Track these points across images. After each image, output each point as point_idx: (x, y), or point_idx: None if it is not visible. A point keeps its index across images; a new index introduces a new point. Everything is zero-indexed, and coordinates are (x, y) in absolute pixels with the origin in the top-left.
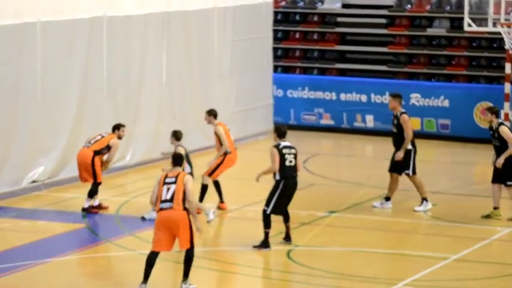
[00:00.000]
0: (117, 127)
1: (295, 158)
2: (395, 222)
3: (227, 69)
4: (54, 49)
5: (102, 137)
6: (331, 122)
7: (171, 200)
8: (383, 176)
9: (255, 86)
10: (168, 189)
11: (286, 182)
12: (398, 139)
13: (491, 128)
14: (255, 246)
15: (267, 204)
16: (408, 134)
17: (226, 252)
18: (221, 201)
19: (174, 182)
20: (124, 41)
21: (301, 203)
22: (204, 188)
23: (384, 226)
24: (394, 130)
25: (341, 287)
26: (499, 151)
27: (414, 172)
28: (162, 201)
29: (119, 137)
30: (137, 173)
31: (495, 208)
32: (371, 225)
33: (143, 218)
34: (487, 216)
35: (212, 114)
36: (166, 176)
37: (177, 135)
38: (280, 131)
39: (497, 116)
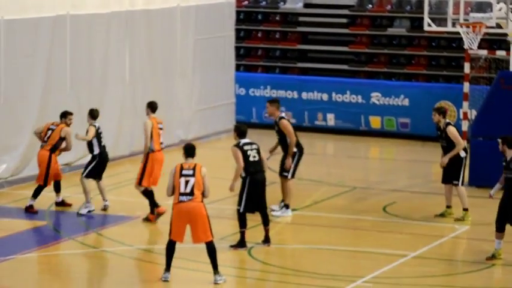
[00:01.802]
0: (63, 115)
1: (258, 153)
2: (354, 220)
3: (190, 68)
4: (17, 47)
5: (52, 130)
6: (292, 121)
7: (191, 193)
8: (344, 174)
9: (217, 85)
10: (187, 182)
11: (252, 178)
12: (283, 144)
13: (438, 128)
14: (231, 246)
15: (239, 203)
16: (291, 139)
17: (187, 249)
18: (151, 212)
19: (193, 175)
20: (87, 40)
21: None
22: (147, 194)
23: (344, 224)
24: (277, 136)
25: (301, 284)
26: (446, 151)
27: (292, 176)
28: (181, 194)
29: (67, 125)
30: None
31: (448, 207)
32: (331, 222)
33: (79, 214)
34: (441, 215)
35: (149, 107)
36: (182, 168)
37: (93, 114)
38: (240, 130)
39: (444, 116)
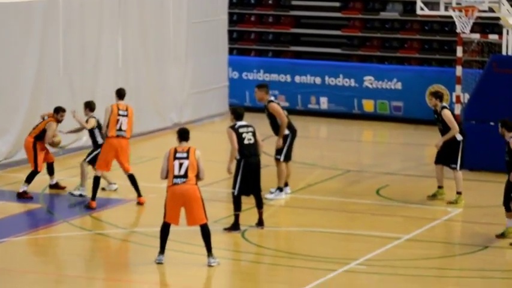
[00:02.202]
0: (56, 111)
1: (254, 135)
2: (348, 203)
3: (183, 52)
4: (10, 31)
5: (42, 120)
6: (285, 104)
7: (185, 175)
8: (337, 157)
9: (210, 69)
10: (181, 164)
11: (246, 161)
12: (275, 127)
13: (435, 111)
14: (225, 229)
15: (233, 186)
16: (282, 121)
17: (181, 231)
18: (92, 198)
19: (187, 157)
20: (80, 24)
21: None
22: (95, 180)
23: (337, 206)
24: (268, 120)
25: (294, 266)
26: (443, 135)
27: (286, 159)
28: (176, 176)
29: (58, 121)
30: None
31: (439, 187)
32: (324, 205)
33: (71, 194)
34: (433, 196)
35: (116, 93)
36: (176, 151)
37: (91, 106)
38: (236, 113)
39: (441, 100)
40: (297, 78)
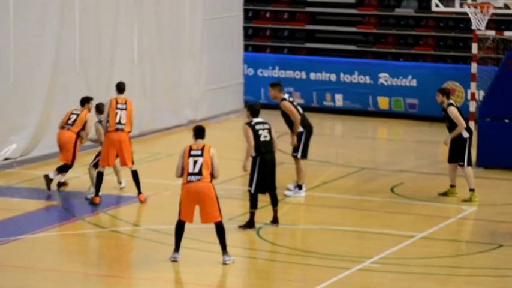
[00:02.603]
0: (86, 100)
1: (270, 133)
2: (363, 201)
3: (198, 48)
4: (26, 26)
5: (77, 115)
6: (301, 101)
7: (200, 173)
8: (351, 154)
9: (225, 65)
10: (195, 162)
11: (262, 158)
12: (290, 125)
13: (443, 109)
14: (240, 226)
15: (250, 184)
16: (295, 118)
17: (196, 229)
18: (96, 194)
19: (201, 155)
20: (96, 20)
21: None
22: (98, 176)
23: (352, 204)
24: (283, 118)
25: (309, 264)
26: (450, 131)
27: (302, 156)
28: (190, 174)
29: (89, 110)
30: None
31: (451, 186)
32: (339, 203)
33: (86, 198)
34: (444, 194)
35: (116, 86)
36: (191, 149)
37: (100, 108)
38: (253, 109)
39: (448, 97)
40: (312, 75)
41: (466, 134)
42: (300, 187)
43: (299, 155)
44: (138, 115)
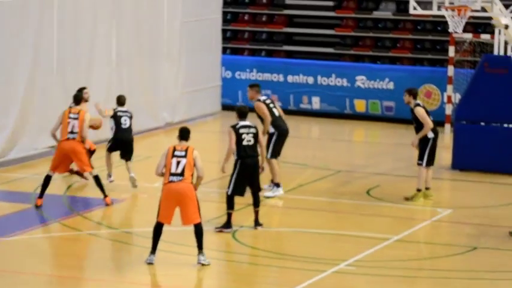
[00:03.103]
0: (80, 96)
1: (255, 137)
2: (339, 203)
3: (176, 51)
4: (4, 29)
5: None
6: (279, 104)
7: (182, 173)
8: (328, 157)
9: (203, 68)
10: (178, 162)
11: (243, 161)
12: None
13: (410, 109)
14: (217, 228)
15: (229, 185)
16: (265, 119)
17: (172, 232)
18: (40, 196)
19: (184, 156)
20: (74, 21)
21: None
22: (46, 179)
23: (328, 207)
24: (258, 119)
25: (285, 267)
26: (417, 132)
27: (272, 156)
28: (172, 174)
29: (86, 100)
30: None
31: (426, 188)
32: (315, 206)
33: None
34: (408, 199)
35: (73, 98)
36: (174, 149)
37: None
38: (240, 112)
39: (415, 97)
40: (290, 78)
41: (430, 134)
42: (277, 185)
43: (268, 155)
44: None
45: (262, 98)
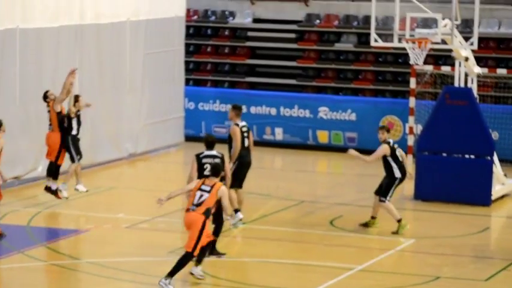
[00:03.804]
0: (45, 96)
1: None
2: (302, 234)
3: (139, 82)
4: None
5: (48, 112)
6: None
7: (199, 204)
8: (291, 187)
9: (166, 99)
10: (201, 196)
11: None
12: (230, 151)
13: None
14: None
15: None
16: (236, 145)
17: (135, 262)
18: None
19: (208, 192)
20: (37, 53)
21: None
22: None
23: (292, 237)
24: (228, 144)
25: None
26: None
27: (232, 185)
28: (193, 204)
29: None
30: None
31: (372, 218)
32: (279, 236)
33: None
34: (365, 225)
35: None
36: (203, 183)
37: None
38: (206, 141)
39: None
40: (253, 109)
41: (398, 174)
42: (235, 211)
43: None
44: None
45: (241, 124)
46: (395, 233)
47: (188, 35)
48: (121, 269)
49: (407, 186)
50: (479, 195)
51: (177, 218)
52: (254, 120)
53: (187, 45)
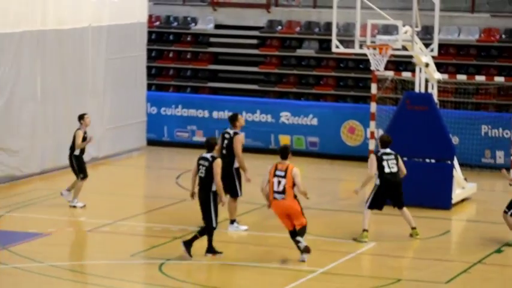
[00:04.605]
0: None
1: (206, 170)
2: (265, 237)
3: (101, 87)
4: None
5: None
6: (203, 139)
7: (282, 192)
8: (254, 191)
9: (128, 104)
10: (279, 182)
11: (198, 193)
12: (224, 158)
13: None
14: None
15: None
16: (239, 155)
17: (98, 265)
18: None
19: (284, 176)
20: None
21: (173, 217)
22: None
23: (254, 240)
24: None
25: None
26: None
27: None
28: (275, 192)
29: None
30: (10, 189)
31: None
32: (241, 239)
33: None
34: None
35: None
36: (276, 168)
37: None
38: (206, 143)
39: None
40: (215, 114)
41: (377, 182)
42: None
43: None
44: (40, 153)
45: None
46: (355, 240)
47: (150, 41)
48: (84, 272)
49: (369, 190)
50: (439, 198)
51: (139, 222)
52: (216, 125)
53: (149, 51)
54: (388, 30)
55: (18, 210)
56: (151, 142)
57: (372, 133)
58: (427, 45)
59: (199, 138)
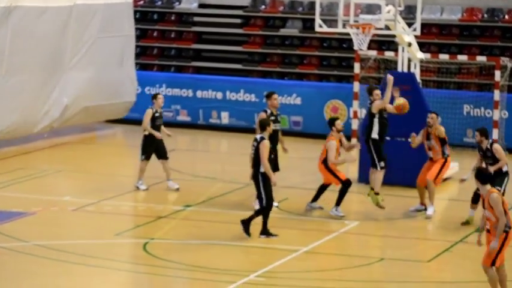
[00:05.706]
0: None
1: (255, 149)
2: (247, 216)
3: (87, 65)
4: None
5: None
6: (187, 119)
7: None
8: (237, 170)
9: (116, 82)
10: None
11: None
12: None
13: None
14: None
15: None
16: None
17: (82, 244)
18: None
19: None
20: None
21: (157, 197)
22: None
23: (237, 219)
24: None
25: (196, 278)
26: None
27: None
28: None
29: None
30: None
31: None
32: (225, 218)
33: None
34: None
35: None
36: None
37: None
38: (259, 124)
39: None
40: (199, 93)
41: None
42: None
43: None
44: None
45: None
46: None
47: (134, 20)
48: (69, 252)
49: (352, 169)
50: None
51: (123, 201)
52: (200, 104)
53: None
54: (371, 9)
55: (2, 190)
56: (136, 121)
57: (355, 112)
58: (409, 25)
59: (184, 117)
